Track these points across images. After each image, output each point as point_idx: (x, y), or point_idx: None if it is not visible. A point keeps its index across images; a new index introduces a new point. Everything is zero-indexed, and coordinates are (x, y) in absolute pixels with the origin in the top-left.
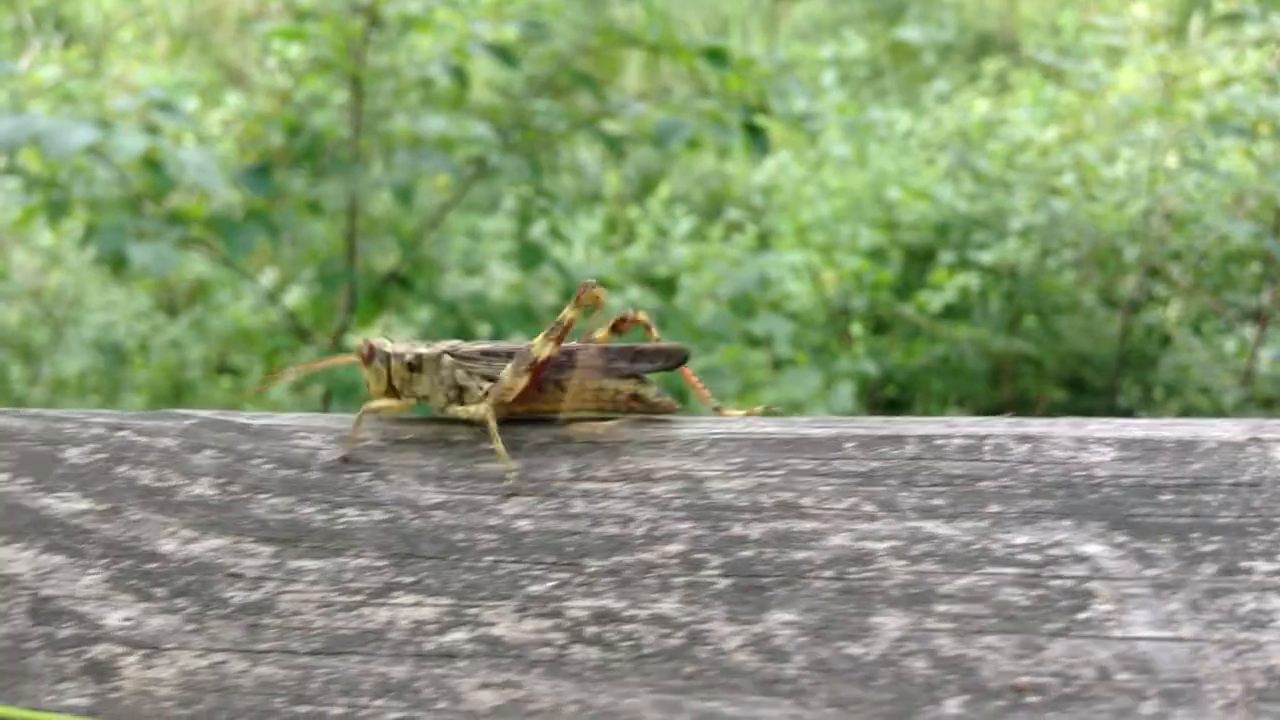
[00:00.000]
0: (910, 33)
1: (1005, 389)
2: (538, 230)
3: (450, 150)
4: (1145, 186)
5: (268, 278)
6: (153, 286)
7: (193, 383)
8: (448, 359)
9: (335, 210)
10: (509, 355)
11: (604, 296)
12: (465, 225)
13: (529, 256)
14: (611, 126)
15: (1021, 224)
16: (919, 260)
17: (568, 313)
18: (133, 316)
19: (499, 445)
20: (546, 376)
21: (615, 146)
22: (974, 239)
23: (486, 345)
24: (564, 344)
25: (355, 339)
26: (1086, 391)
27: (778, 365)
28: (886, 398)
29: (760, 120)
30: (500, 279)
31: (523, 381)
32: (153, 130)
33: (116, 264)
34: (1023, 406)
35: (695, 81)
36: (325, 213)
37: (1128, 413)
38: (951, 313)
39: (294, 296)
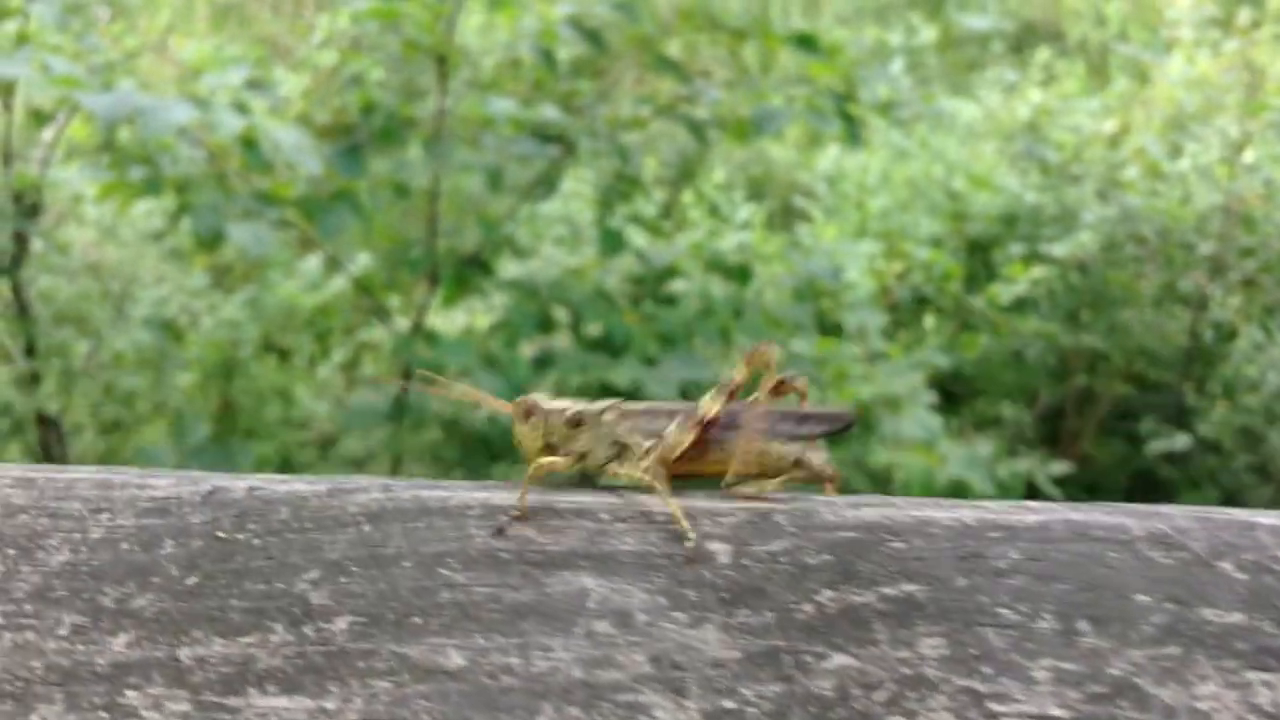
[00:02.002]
0: (978, 21)
1: (1070, 384)
2: (579, 214)
3: (535, 132)
4: (1215, 181)
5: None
6: (206, 263)
7: (244, 361)
8: (609, 415)
9: (417, 192)
10: (670, 414)
11: (775, 358)
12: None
13: (610, 242)
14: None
15: (1094, 217)
16: (981, 251)
17: (736, 374)
18: (190, 294)
19: (674, 506)
20: (710, 437)
21: (699, 133)
22: (1043, 232)
23: (650, 404)
24: (729, 405)
25: (521, 398)
26: (1149, 387)
27: (873, 359)
28: (954, 392)
29: (849, 108)
30: (558, 262)
31: (688, 439)
32: (242, 108)
33: (212, 243)
34: (1088, 402)
35: (736, 65)
36: (411, 194)
37: (1191, 412)
38: (1016, 306)
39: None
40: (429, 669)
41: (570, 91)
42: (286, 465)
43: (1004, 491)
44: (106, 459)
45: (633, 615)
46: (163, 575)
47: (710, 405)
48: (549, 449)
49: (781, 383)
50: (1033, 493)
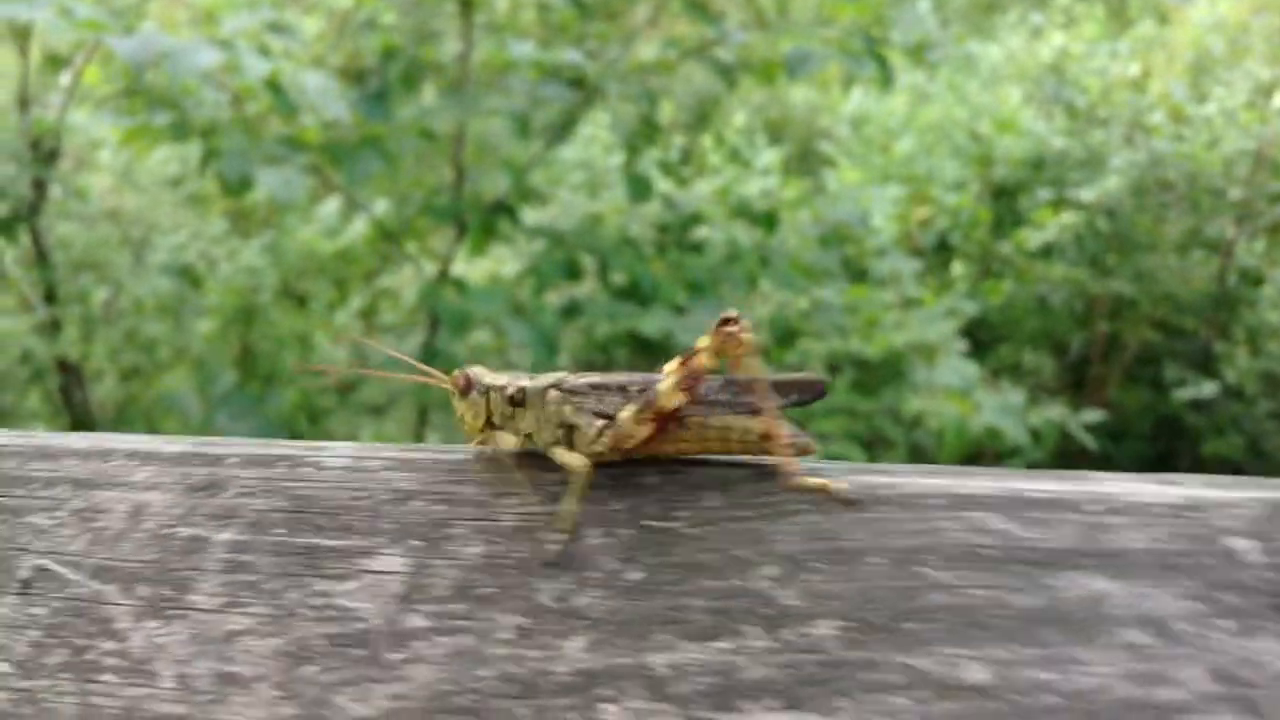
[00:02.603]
0: None
1: (1095, 330)
2: (599, 162)
3: (560, 76)
4: (1242, 126)
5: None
6: (224, 209)
7: (263, 307)
8: (554, 394)
9: (441, 137)
10: (621, 389)
11: (748, 337)
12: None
13: (638, 188)
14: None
15: (1121, 161)
16: (1007, 196)
17: (703, 357)
18: (209, 240)
19: (573, 504)
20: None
21: (728, 76)
22: (1070, 177)
23: (595, 378)
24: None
25: (456, 371)
26: (1174, 333)
27: (907, 304)
28: (978, 339)
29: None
30: (577, 209)
31: (645, 431)
32: (265, 51)
33: (241, 189)
34: (1113, 348)
35: (751, 9)
36: (437, 140)
37: (1217, 358)
38: (1041, 253)
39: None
40: (950, 684)
41: (595, 34)
42: (310, 413)
43: (1037, 439)
44: (126, 406)
45: (1168, 623)
46: (598, 569)
47: (669, 396)
48: (490, 427)
49: (728, 338)
50: (1066, 440)
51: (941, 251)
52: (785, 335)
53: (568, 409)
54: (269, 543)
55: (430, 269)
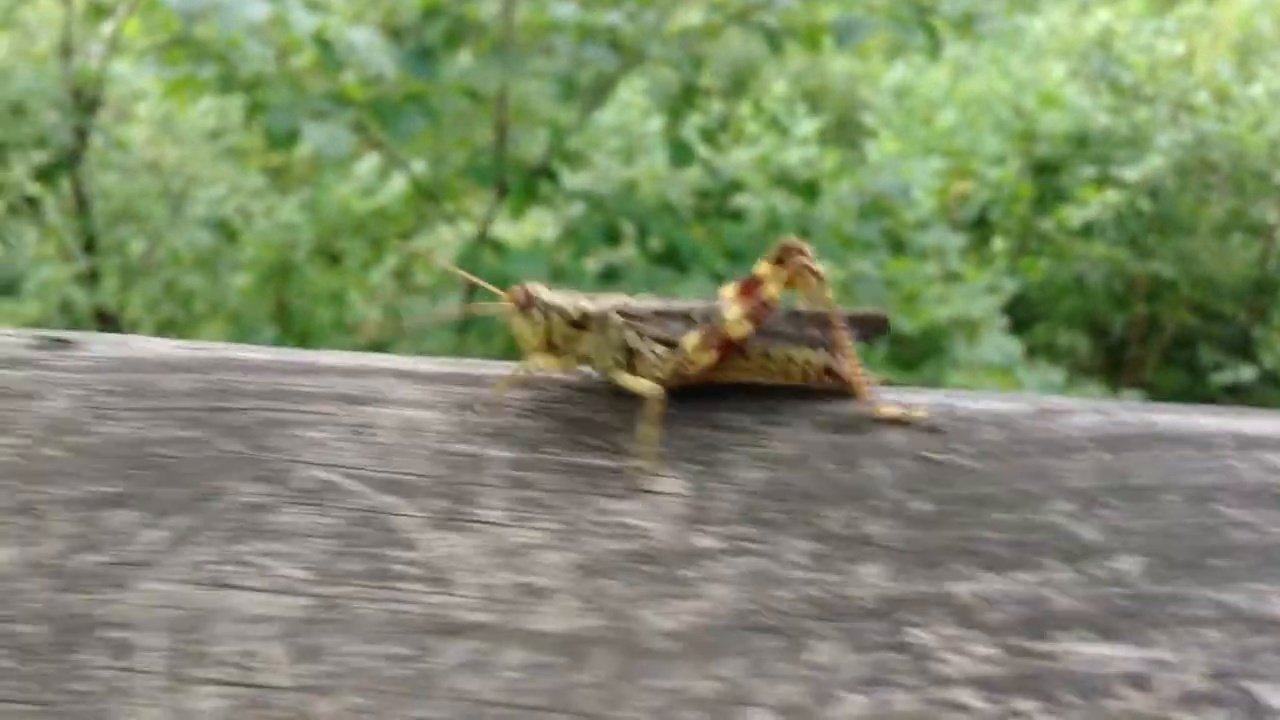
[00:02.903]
0: None
1: (1134, 310)
2: (635, 127)
3: (601, 39)
4: None
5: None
6: (261, 163)
7: (299, 264)
8: (617, 318)
9: (483, 98)
10: (684, 316)
11: (823, 269)
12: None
13: (680, 154)
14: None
15: (1167, 140)
16: (1048, 172)
17: (770, 287)
18: (248, 194)
19: (650, 431)
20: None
21: (774, 42)
22: (1114, 155)
23: (658, 304)
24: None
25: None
26: (1212, 317)
27: (950, 278)
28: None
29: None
30: (613, 174)
31: (708, 358)
32: (312, 6)
33: (288, 143)
34: (1151, 330)
35: None
36: (481, 100)
37: (1255, 343)
38: (1081, 231)
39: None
40: (1263, 618)
41: None
42: None
43: None
44: None
45: None
46: (883, 498)
47: (737, 325)
48: (549, 346)
49: (793, 266)
50: None
51: (979, 226)
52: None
53: (630, 334)
54: (546, 461)
55: (467, 230)
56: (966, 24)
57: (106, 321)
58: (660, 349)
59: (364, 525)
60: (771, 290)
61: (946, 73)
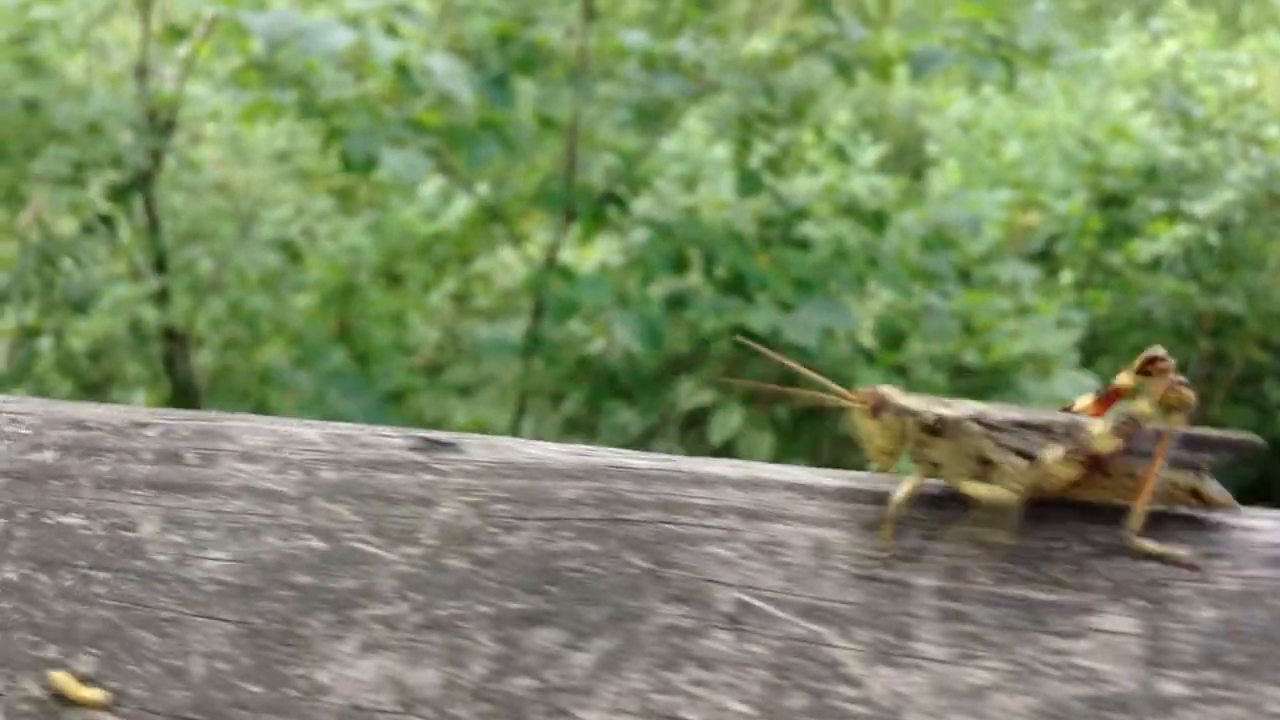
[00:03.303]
0: None
1: (1200, 346)
2: (698, 154)
3: (672, 67)
4: None
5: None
6: (327, 186)
7: (363, 286)
8: (975, 427)
9: (556, 124)
10: (1045, 429)
11: (1191, 396)
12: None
13: (748, 183)
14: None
15: (1239, 175)
16: (1115, 206)
17: (1144, 408)
18: (315, 216)
19: (1005, 537)
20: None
21: (847, 72)
22: (1184, 189)
23: (1018, 414)
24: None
25: (864, 388)
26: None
27: (1023, 312)
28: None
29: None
30: (675, 202)
31: (1071, 473)
32: (392, 33)
33: (366, 168)
34: (1221, 364)
35: (856, 5)
36: (556, 127)
37: None
38: (1148, 266)
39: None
40: None
41: (710, 26)
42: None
43: None
44: (220, 377)
45: None
46: None
47: (1104, 442)
48: (896, 451)
49: (1118, 391)
50: None
51: (1044, 259)
52: (894, 338)
53: (988, 443)
54: (977, 591)
55: (530, 254)
56: (1043, 56)
57: (174, 340)
58: (1018, 460)
59: (797, 656)
60: (1143, 406)
61: (1011, 103)
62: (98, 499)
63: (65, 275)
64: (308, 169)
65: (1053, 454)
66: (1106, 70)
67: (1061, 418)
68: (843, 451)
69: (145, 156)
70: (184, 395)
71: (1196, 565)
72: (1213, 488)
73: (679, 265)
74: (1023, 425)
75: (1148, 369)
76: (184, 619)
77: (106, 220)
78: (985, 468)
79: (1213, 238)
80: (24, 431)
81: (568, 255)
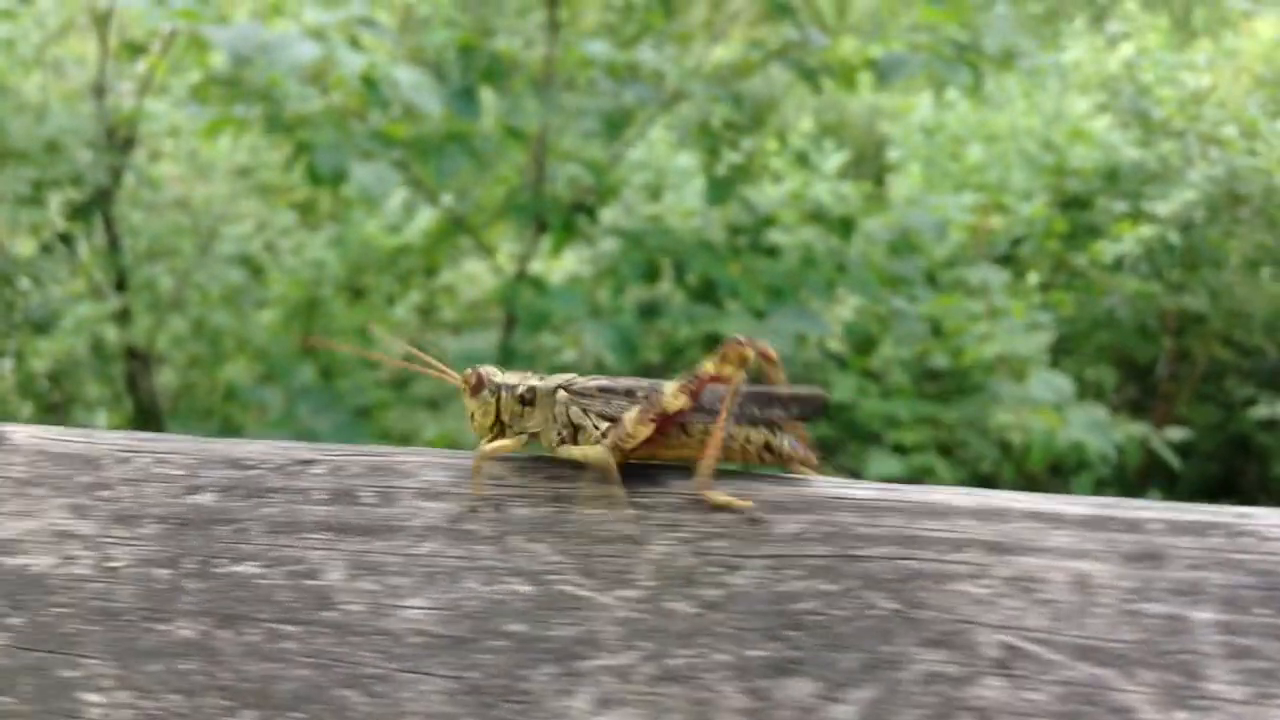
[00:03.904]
0: None
1: (1165, 345)
2: (662, 163)
3: (635, 77)
4: None
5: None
6: (289, 201)
7: (326, 300)
8: (563, 394)
9: (523, 135)
10: (628, 393)
11: (753, 355)
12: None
13: (718, 190)
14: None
15: (1199, 175)
16: (1076, 208)
17: (709, 366)
18: (278, 231)
19: (616, 488)
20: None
21: (812, 79)
22: (1145, 190)
23: (604, 380)
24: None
25: (466, 371)
26: (1245, 351)
27: (995, 315)
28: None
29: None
30: (641, 211)
31: (646, 431)
32: (355, 45)
33: (334, 182)
34: (1185, 362)
35: (810, 10)
36: (523, 137)
37: None
38: (1111, 266)
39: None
40: None
41: (680, 34)
42: (370, 406)
43: (1123, 455)
44: (183, 395)
45: None
46: None
47: (673, 400)
48: (500, 425)
49: (736, 353)
50: (1153, 458)
51: (1007, 262)
52: (864, 343)
53: (574, 410)
54: (1261, 624)
55: (497, 266)
56: (1007, 60)
57: (136, 359)
58: (603, 424)
59: (1083, 703)
60: (708, 366)
61: (970, 107)
62: (270, 544)
63: (24, 295)
64: (269, 183)
65: (630, 415)
66: (1063, 73)
67: (644, 383)
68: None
69: (105, 174)
70: (146, 415)
71: (761, 518)
72: (785, 443)
73: (650, 274)
74: (607, 390)
75: (729, 351)
76: (392, 676)
77: (66, 239)
78: (576, 432)
79: (1174, 237)
80: (176, 473)
81: (535, 266)
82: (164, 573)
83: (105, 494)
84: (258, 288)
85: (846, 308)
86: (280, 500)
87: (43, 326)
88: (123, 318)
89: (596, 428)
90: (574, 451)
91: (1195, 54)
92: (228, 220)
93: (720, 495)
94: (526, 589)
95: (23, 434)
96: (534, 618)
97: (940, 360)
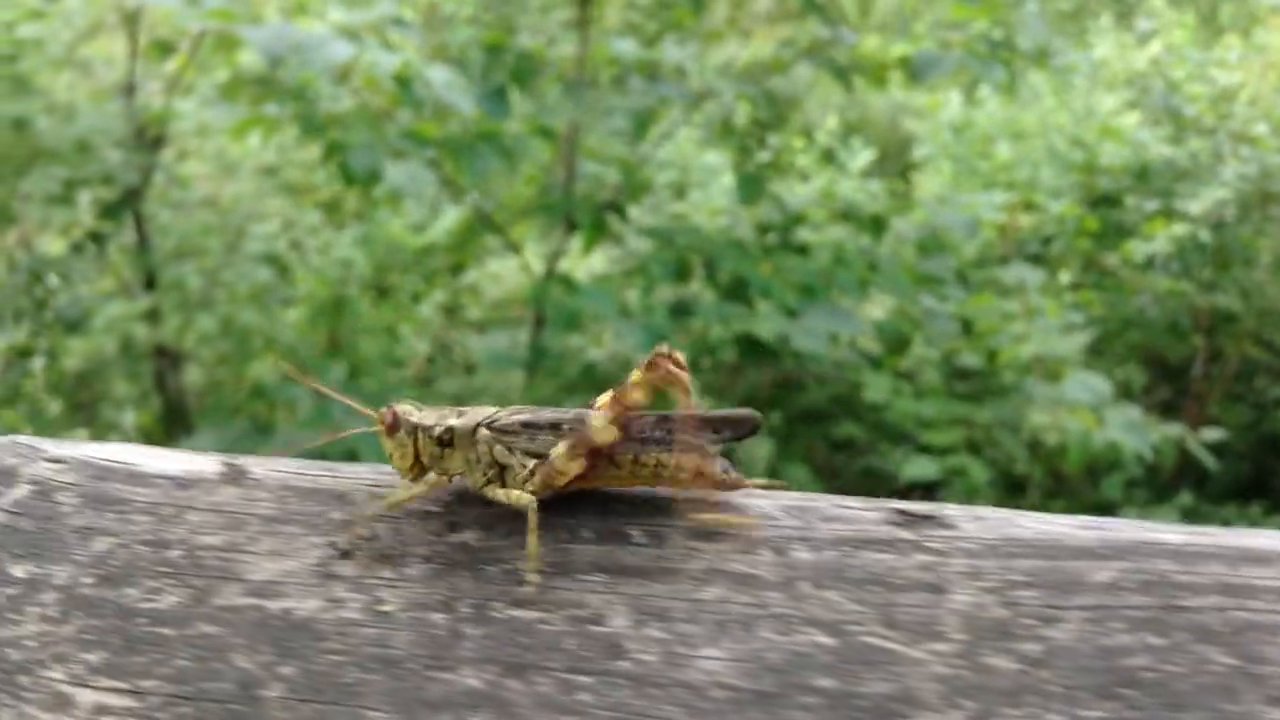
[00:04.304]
0: None
1: (1196, 344)
2: (690, 161)
3: (663, 75)
4: None
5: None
6: (316, 200)
7: (353, 299)
8: (484, 433)
9: (554, 134)
10: (553, 426)
11: (682, 373)
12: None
13: (749, 188)
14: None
15: (1231, 173)
16: (1106, 206)
17: (635, 393)
18: (306, 230)
19: (534, 542)
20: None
21: (843, 77)
22: (1176, 188)
23: (526, 415)
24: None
25: (382, 409)
26: (1278, 351)
27: (1032, 314)
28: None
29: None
30: (667, 210)
31: (576, 467)
32: (389, 46)
33: (368, 182)
34: (1217, 362)
35: (833, 9)
36: (555, 137)
37: None
38: (1142, 265)
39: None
40: None
41: (711, 32)
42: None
43: (1160, 456)
44: (210, 393)
45: None
46: None
47: (602, 432)
48: (419, 466)
49: (657, 373)
50: (1186, 459)
51: (1037, 261)
52: (897, 343)
53: (498, 449)
54: None
55: (525, 264)
56: (1042, 58)
57: (165, 357)
58: (530, 461)
59: None
60: (636, 396)
61: (999, 105)
62: (549, 585)
63: (53, 293)
64: (296, 182)
65: (559, 451)
66: (1091, 71)
67: (570, 414)
68: (846, 458)
69: (135, 173)
70: (174, 413)
71: (756, 535)
72: (718, 467)
73: (681, 273)
74: (531, 425)
75: (653, 364)
76: None
77: (96, 238)
78: (502, 471)
79: (1205, 236)
80: (434, 509)
81: (561, 265)
82: (439, 617)
83: (363, 532)
84: (284, 286)
85: (879, 307)
86: (545, 539)
87: (74, 325)
88: (152, 316)
89: (524, 465)
90: (499, 495)
91: (1225, 51)
92: (255, 219)
93: (717, 517)
94: (827, 640)
95: (262, 469)
96: (842, 673)
97: (969, 360)
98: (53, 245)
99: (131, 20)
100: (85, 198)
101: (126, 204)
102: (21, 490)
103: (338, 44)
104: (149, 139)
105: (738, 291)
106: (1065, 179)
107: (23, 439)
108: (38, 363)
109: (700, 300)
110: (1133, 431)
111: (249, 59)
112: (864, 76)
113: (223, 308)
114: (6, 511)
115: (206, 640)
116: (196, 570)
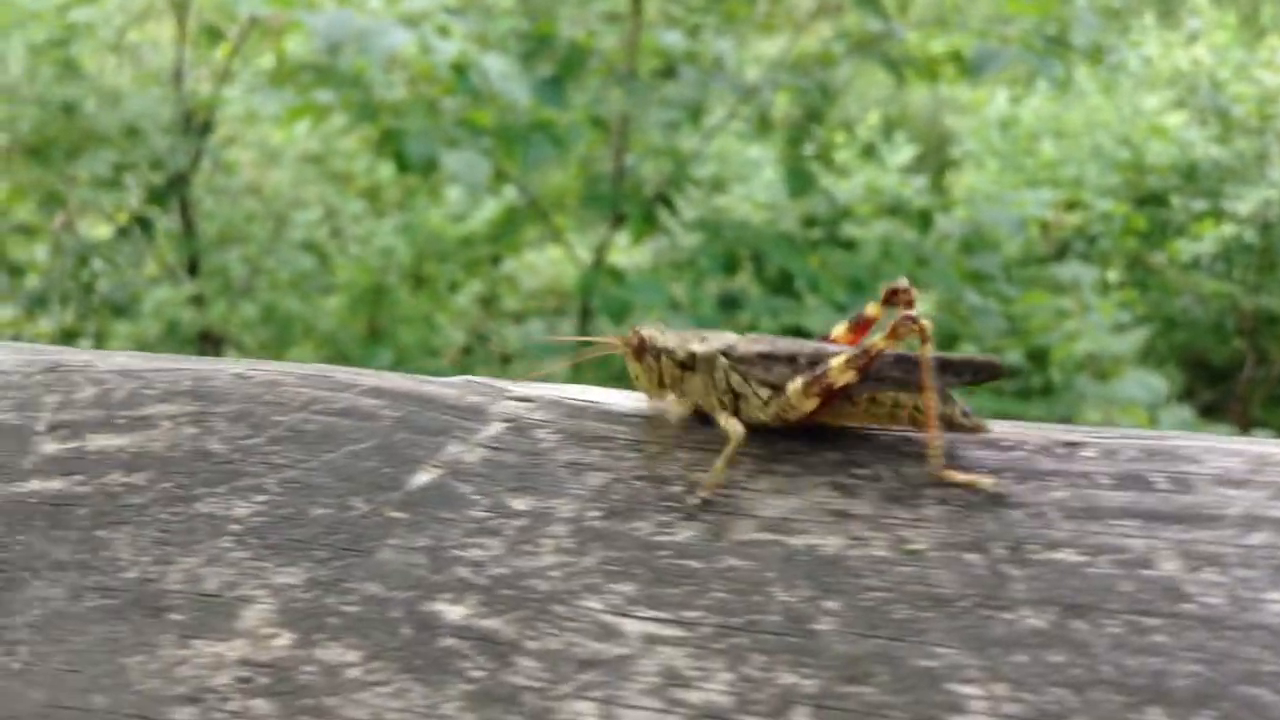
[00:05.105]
0: None
1: (1240, 345)
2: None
3: (710, 66)
4: None
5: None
6: (359, 189)
7: (392, 287)
8: (723, 360)
9: (605, 125)
10: (790, 360)
11: (929, 326)
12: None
13: (798, 182)
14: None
15: (1279, 173)
16: (1152, 204)
17: (878, 340)
18: (348, 218)
19: (721, 468)
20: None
21: (897, 71)
22: (1224, 188)
23: (765, 346)
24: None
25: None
26: None
27: (1085, 312)
28: None
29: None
30: (711, 203)
31: (811, 405)
32: (445, 33)
33: (425, 170)
34: (1262, 363)
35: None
36: (607, 127)
37: None
38: (1188, 265)
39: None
40: None
41: (766, 24)
42: None
43: None
44: None
45: None
46: None
47: (840, 373)
48: (661, 387)
49: (901, 324)
50: None
51: (1081, 259)
52: (947, 339)
53: (735, 377)
54: None
55: (569, 255)
56: (1096, 54)
57: (210, 342)
58: (765, 391)
59: None
60: (878, 343)
61: (1044, 102)
62: (1078, 530)
63: (98, 277)
64: (340, 171)
65: (794, 386)
66: (1142, 68)
67: (808, 348)
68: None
69: (183, 158)
70: None
71: (1004, 492)
72: (957, 411)
73: (730, 266)
74: (768, 357)
75: (892, 299)
76: None
77: (143, 223)
78: (736, 399)
79: (1250, 236)
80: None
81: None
82: (975, 558)
83: (862, 472)
84: (324, 274)
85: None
86: (1061, 484)
87: (121, 309)
88: (198, 301)
89: (758, 395)
90: (720, 419)
91: (1269, 52)
92: (297, 206)
93: (961, 475)
94: None
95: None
96: None
97: (1013, 357)
98: (98, 230)
99: (181, 6)
100: (133, 182)
101: (174, 189)
102: (496, 427)
103: (398, 31)
104: (197, 125)
105: (785, 285)
106: (1111, 177)
107: (478, 379)
108: (84, 346)
109: (748, 293)
110: (1185, 430)
111: (296, 46)
112: (916, 71)
113: (265, 294)
114: (487, 447)
115: (737, 573)
116: (704, 505)
